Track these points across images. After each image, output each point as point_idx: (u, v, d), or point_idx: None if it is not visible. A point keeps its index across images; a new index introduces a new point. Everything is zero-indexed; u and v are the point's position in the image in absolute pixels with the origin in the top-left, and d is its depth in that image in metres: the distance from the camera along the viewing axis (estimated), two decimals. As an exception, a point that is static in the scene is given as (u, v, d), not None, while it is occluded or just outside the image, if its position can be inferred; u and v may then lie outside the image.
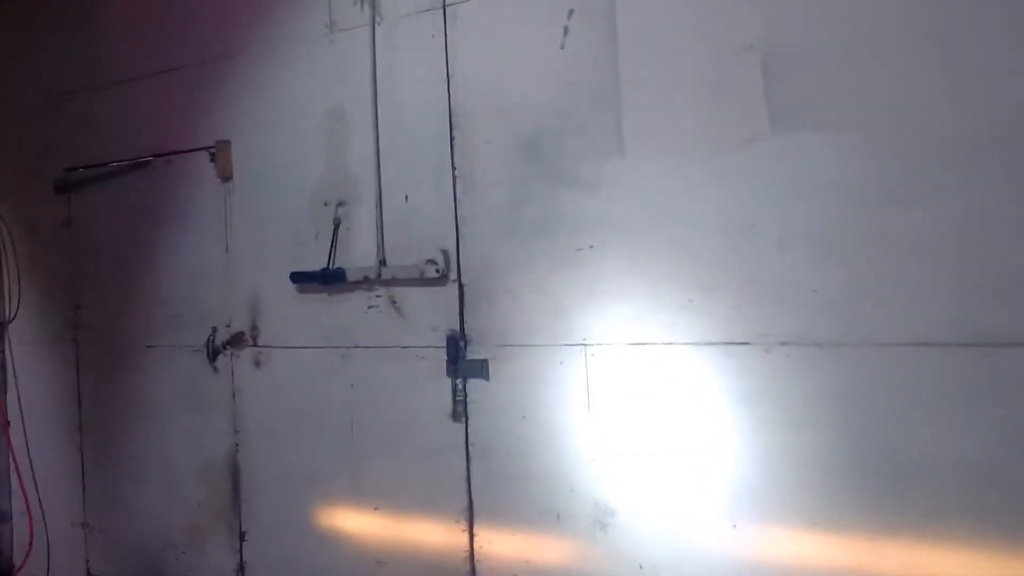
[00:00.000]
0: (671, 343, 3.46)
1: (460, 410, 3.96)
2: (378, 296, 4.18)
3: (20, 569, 5.67)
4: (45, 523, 5.59)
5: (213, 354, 4.76)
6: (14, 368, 5.73)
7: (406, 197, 4.11)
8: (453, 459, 3.97)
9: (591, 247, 3.63)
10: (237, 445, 4.70)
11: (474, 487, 3.94)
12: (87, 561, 5.39)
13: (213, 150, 4.68)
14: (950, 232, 2.96)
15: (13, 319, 5.73)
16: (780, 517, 3.27)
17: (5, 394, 5.76)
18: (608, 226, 3.59)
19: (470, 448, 3.95)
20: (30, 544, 5.64)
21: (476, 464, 3.94)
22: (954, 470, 2.99)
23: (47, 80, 5.50)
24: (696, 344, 3.41)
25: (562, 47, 3.68)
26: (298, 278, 4.36)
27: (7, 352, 5.76)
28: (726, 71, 3.35)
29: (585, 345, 3.64)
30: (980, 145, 2.93)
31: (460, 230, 3.95)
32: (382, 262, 4.15)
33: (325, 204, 4.33)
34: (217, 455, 4.77)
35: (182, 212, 4.88)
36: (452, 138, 3.96)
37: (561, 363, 3.70)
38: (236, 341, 4.67)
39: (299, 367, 4.46)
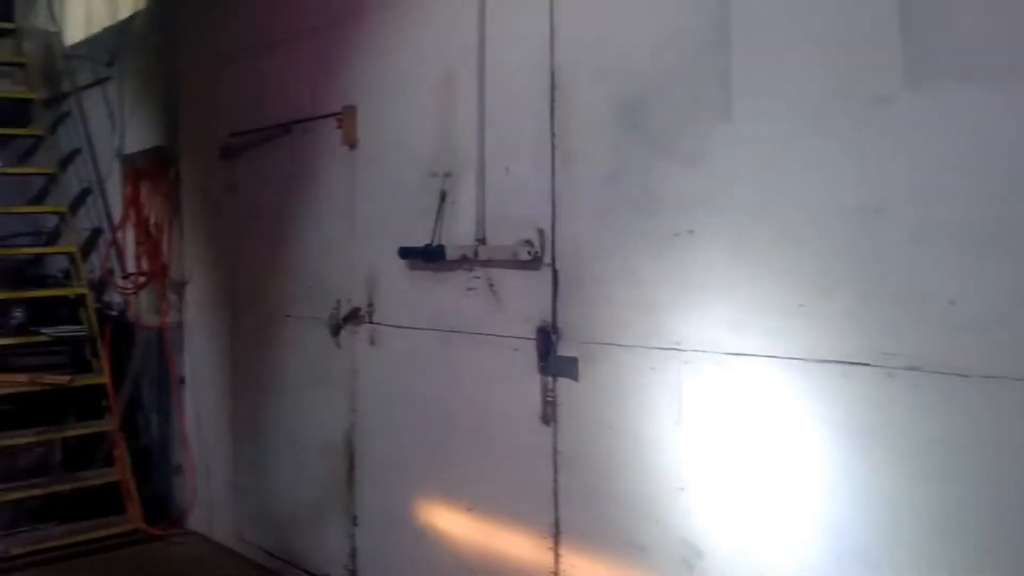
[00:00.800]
0: (775, 356, 2.76)
1: (549, 412, 3.47)
2: (476, 278, 3.77)
3: (184, 521, 5.90)
4: (208, 481, 5.77)
5: (335, 329, 4.58)
6: (188, 328, 5.95)
7: (507, 169, 3.65)
8: (541, 466, 3.50)
9: (690, 232, 2.99)
10: (353, 425, 4.51)
11: (561, 501, 3.44)
12: (237, 523, 5.48)
13: (340, 116, 4.47)
14: None
15: (189, 280, 5.93)
16: (895, 593, 2.50)
17: (181, 353, 6.00)
18: (709, 207, 2.93)
19: (558, 457, 3.45)
20: (192, 500, 5.85)
21: (563, 476, 3.44)
22: None
23: (219, 43, 5.58)
24: (805, 360, 2.69)
25: (669, -12, 3.05)
26: (405, 254, 4.05)
27: (184, 312, 5.98)
28: (854, 11, 2.57)
29: (679, 350, 3.02)
30: None
31: (556, 207, 3.44)
32: (480, 240, 3.73)
33: (433, 175, 3.97)
34: (336, 434, 4.60)
35: (315, 180, 4.73)
36: (553, 101, 3.45)
37: (652, 369, 3.10)
38: (354, 317, 4.46)
39: (406, 348, 4.17)
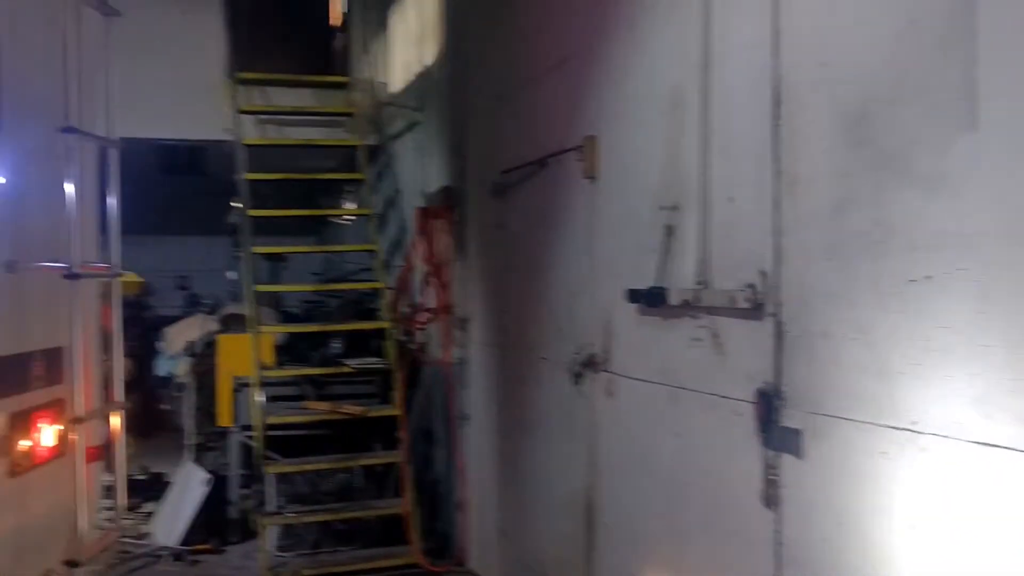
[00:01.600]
0: (1039, 453, 1.99)
1: (772, 493, 2.86)
2: (701, 327, 3.25)
3: (463, 559, 5.88)
4: (481, 520, 5.69)
5: (577, 376, 4.25)
6: (471, 365, 5.94)
7: (730, 199, 3.11)
8: (763, 557, 2.89)
9: (928, 277, 2.27)
10: (592, 482, 4.14)
11: (786, 607, 2.82)
12: (503, 567, 5.34)
13: (581, 147, 4.16)
14: None
15: (471, 317, 5.93)
16: None
17: (464, 389, 6.01)
18: (949, 244, 2.21)
19: (782, 549, 2.83)
20: (467, 538, 5.81)
21: (788, 574, 2.81)
22: None
23: (493, 82, 5.55)
24: (1080, 462, 1.90)
25: (903, -35, 2.37)
26: (633, 296, 3.63)
27: (467, 349, 5.99)
28: None
29: (914, 432, 2.30)
30: None
31: (780, 244, 2.84)
32: (701, 283, 3.22)
33: (661, 208, 3.52)
34: (577, 489, 4.26)
35: (563, 215, 4.47)
36: (777, 117, 2.86)
37: (884, 454, 2.41)
38: (591, 364, 4.10)
39: (638, 402, 3.74)
